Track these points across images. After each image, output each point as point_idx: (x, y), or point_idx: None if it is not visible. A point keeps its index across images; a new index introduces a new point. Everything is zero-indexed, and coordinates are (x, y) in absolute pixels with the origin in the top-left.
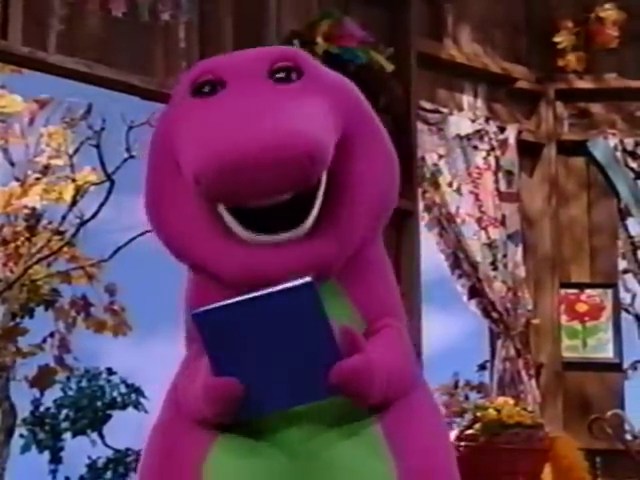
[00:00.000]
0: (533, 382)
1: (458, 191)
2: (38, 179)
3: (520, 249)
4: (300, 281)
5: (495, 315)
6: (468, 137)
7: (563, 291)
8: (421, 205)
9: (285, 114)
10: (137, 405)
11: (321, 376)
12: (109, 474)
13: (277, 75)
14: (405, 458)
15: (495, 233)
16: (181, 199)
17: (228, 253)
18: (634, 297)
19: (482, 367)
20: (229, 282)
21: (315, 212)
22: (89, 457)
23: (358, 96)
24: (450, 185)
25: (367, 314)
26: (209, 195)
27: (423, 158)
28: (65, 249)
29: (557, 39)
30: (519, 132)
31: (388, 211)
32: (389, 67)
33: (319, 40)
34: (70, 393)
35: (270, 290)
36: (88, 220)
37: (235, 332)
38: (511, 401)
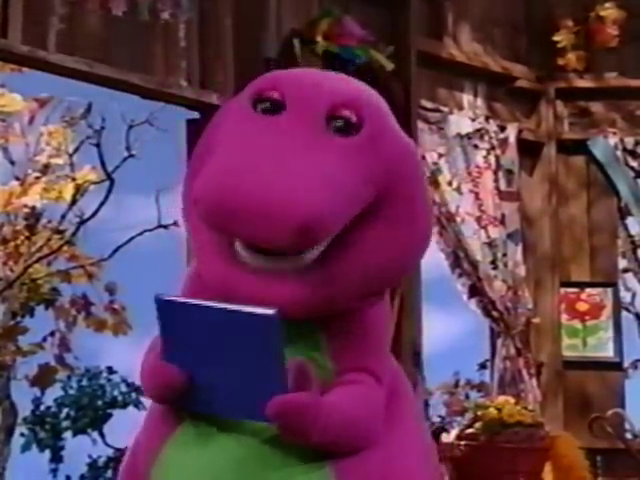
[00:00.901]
0: (534, 381)
1: (458, 190)
2: (38, 178)
3: (520, 248)
4: (267, 311)
5: (495, 314)
6: (468, 136)
7: (563, 290)
8: None
9: (304, 176)
10: (137, 404)
11: (262, 401)
12: (109, 473)
13: (335, 122)
14: None
15: (495, 232)
16: None
17: (218, 267)
18: (634, 296)
19: (482, 366)
20: (213, 296)
21: (311, 254)
22: (90, 456)
23: (409, 167)
24: (450, 184)
25: (342, 369)
26: (201, 218)
27: (423, 157)
28: (65, 248)
29: (557, 38)
30: (519, 131)
31: (396, 281)
32: (389, 66)
33: (319, 39)
34: (71, 392)
35: (237, 307)
36: (88, 219)
37: (191, 331)
38: (512, 400)
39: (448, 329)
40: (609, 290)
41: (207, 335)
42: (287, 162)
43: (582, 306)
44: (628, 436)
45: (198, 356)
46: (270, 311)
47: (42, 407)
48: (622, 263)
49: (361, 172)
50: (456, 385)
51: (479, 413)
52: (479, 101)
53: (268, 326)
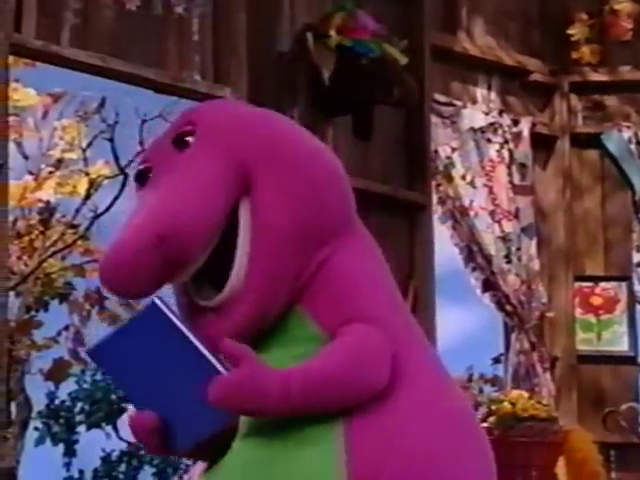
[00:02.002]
0: (547, 375)
1: (472, 184)
2: (52, 173)
3: (534, 242)
4: (147, 302)
5: (509, 308)
6: (482, 130)
7: (577, 284)
8: (434, 198)
9: (150, 207)
10: None
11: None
12: (123, 467)
13: (178, 144)
14: (357, 463)
15: (509, 226)
16: None
17: (183, 313)
18: None
19: (496, 360)
20: None
21: (234, 273)
22: (103, 450)
23: (263, 135)
24: (463, 178)
25: (330, 328)
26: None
27: (436, 151)
28: (79, 242)
29: (571, 31)
30: (533, 125)
31: (320, 232)
32: (403, 60)
33: (332, 33)
34: (85, 386)
35: (132, 316)
36: (102, 213)
37: (126, 361)
38: (525, 394)
39: (462, 323)
40: (623, 284)
41: (137, 358)
42: (142, 208)
43: (596, 300)
44: None
45: (150, 389)
46: (151, 299)
47: (56, 401)
48: (636, 257)
49: (209, 172)
50: (470, 379)
51: (493, 407)
52: (493, 95)
53: (158, 316)
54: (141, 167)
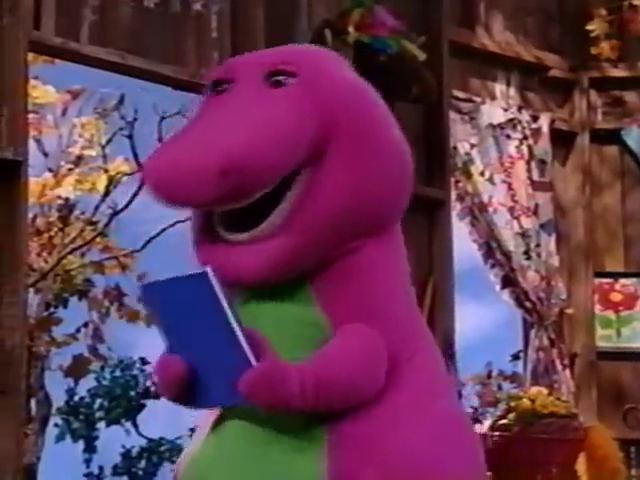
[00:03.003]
0: (567, 372)
1: (490, 180)
2: (71, 170)
3: (553, 238)
4: (198, 270)
5: (528, 305)
6: (501, 126)
7: (597, 280)
8: (453, 194)
9: (224, 129)
10: None
11: (234, 380)
12: (143, 463)
13: (274, 78)
14: (340, 460)
15: (528, 222)
16: None
17: (203, 245)
18: None
19: (515, 357)
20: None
21: (277, 212)
22: (123, 446)
23: (357, 106)
24: (482, 174)
25: (334, 317)
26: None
27: (455, 147)
28: (98, 239)
29: (590, 27)
30: (552, 121)
31: (378, 220)
32: (421, 56)
33: (350, 29)
34: (104, 383)
35: (184, 274)
36: (121, 210)
37: (170, 313)
38: (545, 391)
39: (481, 320)
40: None
41: (179, 314)
42: (214, 124)
43: (616, 296)
44: None
45: (184, 342)
46: (203, 269)
47: (76, 398)
48: None
49: (299, 118)
50: (489, 376)
51: (512, 404)
52: (512, 91)
53: (205, 286)
54: (222, 75)
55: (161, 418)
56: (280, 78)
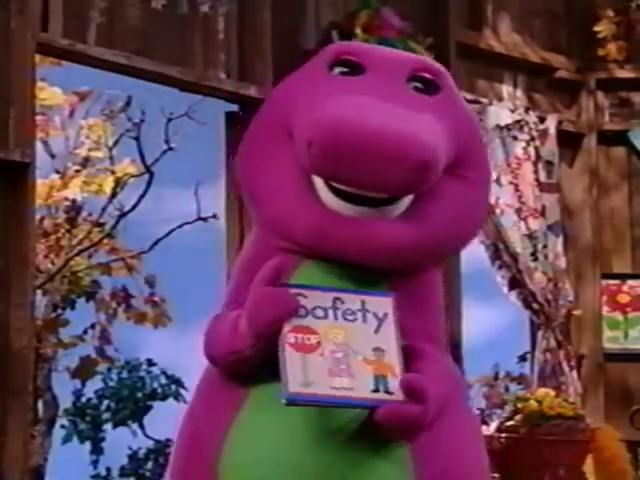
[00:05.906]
0: (574, 373)
1: (498, 182)
2: (78, 171)
3: (560, 240)
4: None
5: (536, 306)
6: (508, 127)
7: (604, 282)
8: None
9: (413, 120)
10: (177, 396)
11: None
12: (150, 464)
13: (415, 83)
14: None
15: (535, 224)
16: (279, 156)
17: (307, 212)
18: None
19: (522, 358)
20: (299, 240)
21: (404, 202)
22: (130, 448)
23: (479, 132)
24: None
25: (408, 335)
26: (313, 162)
27: None
28: (105, 241)
29: (597, 28)
30: (559, 122)
31: (462, 242)
32: (428, 57)
33: (358, 31)
34: (111, 384)
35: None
36: (128, 212)
37: None
38: (552, 392)
39: (488, 321)
40: None
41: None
42: (392, 108)
43: (623, 298)
44: None
45: None
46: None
47: (83, 399)
48: None
49: (445, 130)
50: (496, 377)
51: (519, 405)
52: (519, 92)
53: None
54: (352, 58)
55: (168, 419)
56: (422, 85)
